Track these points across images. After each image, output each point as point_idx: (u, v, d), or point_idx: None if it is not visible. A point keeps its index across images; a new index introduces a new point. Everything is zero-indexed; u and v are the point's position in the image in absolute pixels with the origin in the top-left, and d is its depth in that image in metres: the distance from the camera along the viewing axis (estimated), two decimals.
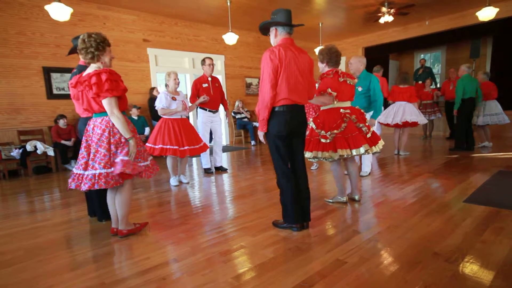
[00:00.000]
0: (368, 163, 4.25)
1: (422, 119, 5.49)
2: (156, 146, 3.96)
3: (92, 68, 2.27)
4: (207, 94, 4.58)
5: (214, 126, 4.81)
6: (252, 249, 2.20)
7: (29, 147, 5.29)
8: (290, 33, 2.43)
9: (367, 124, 2.97)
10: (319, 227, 2.54)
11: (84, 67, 2.66)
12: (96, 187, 2.23)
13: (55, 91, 5.85)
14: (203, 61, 4.63)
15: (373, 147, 2.94)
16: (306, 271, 1.85)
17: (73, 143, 5.73)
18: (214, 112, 4.76)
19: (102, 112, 2.29)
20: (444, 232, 2.32)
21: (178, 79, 4.13)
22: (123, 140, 2.31)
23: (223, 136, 8.79)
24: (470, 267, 1.82)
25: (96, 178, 2.23)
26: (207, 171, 4.95)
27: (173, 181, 4.29)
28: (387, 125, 5.64)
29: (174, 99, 4.06)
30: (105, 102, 2.21)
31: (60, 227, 2.86)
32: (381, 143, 3.04)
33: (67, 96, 5.93)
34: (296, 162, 2.51)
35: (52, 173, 5.62)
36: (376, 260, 1.96)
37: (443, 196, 3.20)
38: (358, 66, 3.84)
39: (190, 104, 4.39)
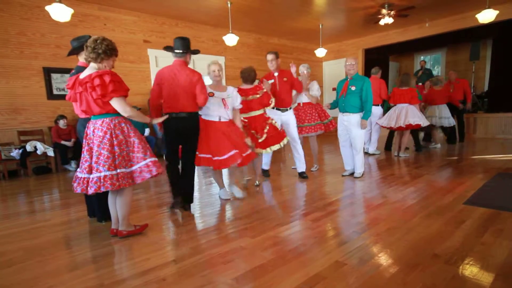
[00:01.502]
0: (359, 164, 4.26)
1: (424, 121, 5.46)
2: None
3: (91, 69, 2.27)
4: (273, 90, 4.15)
5: (285, 126, 4.22)
6: (252, 251, 2.20)
7: (29, 147, 5.29)
8: (177, 56, 3.03)
9: (265, 130, 3.79)
10: (318, 229, 2.54)
11: (82, 68, 2.66)
12: (102, 189, 2.22)
13: (55, 92, 5.85)
14: (266, 56, 4.26)
15: (259, 149, 3.76)
16: (305, 273, 1.85)
17: (73, 144, 5.73)
18: (282, 111, 4.22)
19: (102, 114, 2.29)
20: (444, 234, 2.33)
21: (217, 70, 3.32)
22: (131, 139, 2.35)
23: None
24: (470, 269, 1.82)
25: (102, 180, 2.22)
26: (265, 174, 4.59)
27: (223, 194, 3.57)
28: (390, 128, 5.64)
29: (211, 94, 3.24)
30: (115, 103, 2.23)
31: (60, 227, 2.86)
32: (277, 145, 3.85)
33: None
34: (184, 161, 3.14)
35: (52, 174, 5.62)
36: (375, 261, 1.96)
37: (443, 198, 3.20)
38: (355, 68, 4.13)
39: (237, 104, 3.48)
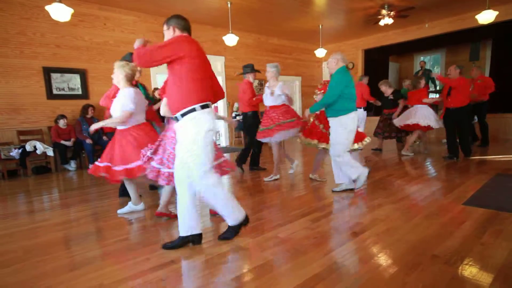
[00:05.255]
0: (339, 173, 3.61)
1: (436, 124, 5.54)
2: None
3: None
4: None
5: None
6: (251, 251, 2.20)
7: (28, 147, 5.29)
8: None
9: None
10: (317, 229, 2.54)
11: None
12: (172, 184, 2.61)
13: (55, 91, 5.85)
14: None
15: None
16: (304, 273, 1.85)
17: (72, 143, 5.73)
18: (174, 119, 2.36)
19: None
20: (444, 234, 2.33)
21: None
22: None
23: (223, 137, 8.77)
24: (469, 270, 1.82)
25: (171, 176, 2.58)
26: None
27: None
28: (400, 127, 5.88)
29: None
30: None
31: (59, 227, 2.85)
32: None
33: (67, 96, 5.95)
34: None
35: (51, 173, 5.61)
36: (375, 262, 1.96)
37: (442, 199, 3.20)
38: (332, 66, 3.44)
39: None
